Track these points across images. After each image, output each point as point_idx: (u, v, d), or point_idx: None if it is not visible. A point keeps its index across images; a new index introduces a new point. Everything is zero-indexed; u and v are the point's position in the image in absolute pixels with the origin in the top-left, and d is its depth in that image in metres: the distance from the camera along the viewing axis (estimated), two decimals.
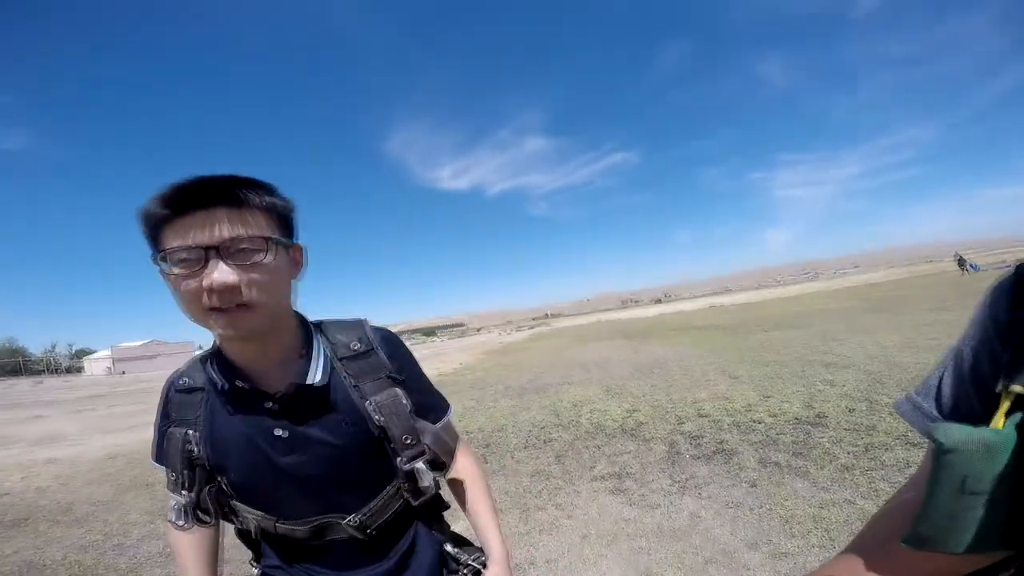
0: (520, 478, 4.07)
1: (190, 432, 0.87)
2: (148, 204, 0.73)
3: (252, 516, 0.89)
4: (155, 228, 0.73)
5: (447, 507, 1.01)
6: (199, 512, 0.89)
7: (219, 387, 0.84)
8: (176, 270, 0.71)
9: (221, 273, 0.70)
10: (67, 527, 3.90)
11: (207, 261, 0.70)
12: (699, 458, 3.89)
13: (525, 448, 4.89)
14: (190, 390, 0.90)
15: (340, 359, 0.88)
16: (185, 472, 0.87)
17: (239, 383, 0.82)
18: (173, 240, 0.71)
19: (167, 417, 0.91)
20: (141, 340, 52.21)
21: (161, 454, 0.91)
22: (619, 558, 2.61)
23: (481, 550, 1.00)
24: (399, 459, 0.86)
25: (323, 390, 0.85)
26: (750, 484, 3.24)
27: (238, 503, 0.90)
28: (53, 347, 55.96)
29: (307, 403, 0.84)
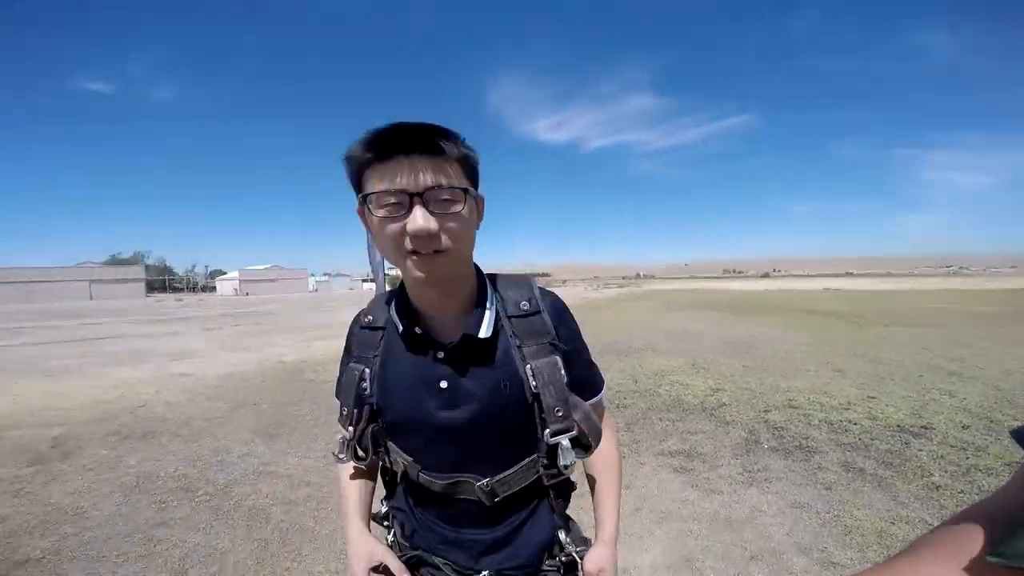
0: None
1: (366, 370, 0.91)
2: (352, 148, 0.76)
3: (401, 460, 0.92)
4: (358, 171, 0.77)
5: (574, 488, 0.96)
6: (358, 448, 0.94)
7: (398, 329, 0.88)
8: (380, 213, 0.75)
9: (424, 219, 0.73)
10: (183, 441, 4.19)
11: (411, 207, 0.73)
12: (778, 451, 3.70)
13: None
14: (372, 328, 0.94)
15: (508, 316, 0.88)
16: (354, 409, 0.91)
17: (417, 329, 0.86)
18: (378, 184, 0.74)
19: (349, 353, 0.97)
20: (264, 265, 58.07)
21: (339, 388, 0.97)
22: (665, 537, 2.59)
23: (586, 539, 0.97)
24: (546, 431, 0.84)
25: (489, 345, 0.86)
26: (824, 487, 3.05)
27: (392, 444, 0.93)
28: (192, 267, 64.08)
29: (472, 357, 0.85)
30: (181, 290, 54.61)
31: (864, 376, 6.04)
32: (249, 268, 56.39)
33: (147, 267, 51.86)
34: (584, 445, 0.88)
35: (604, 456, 1.00)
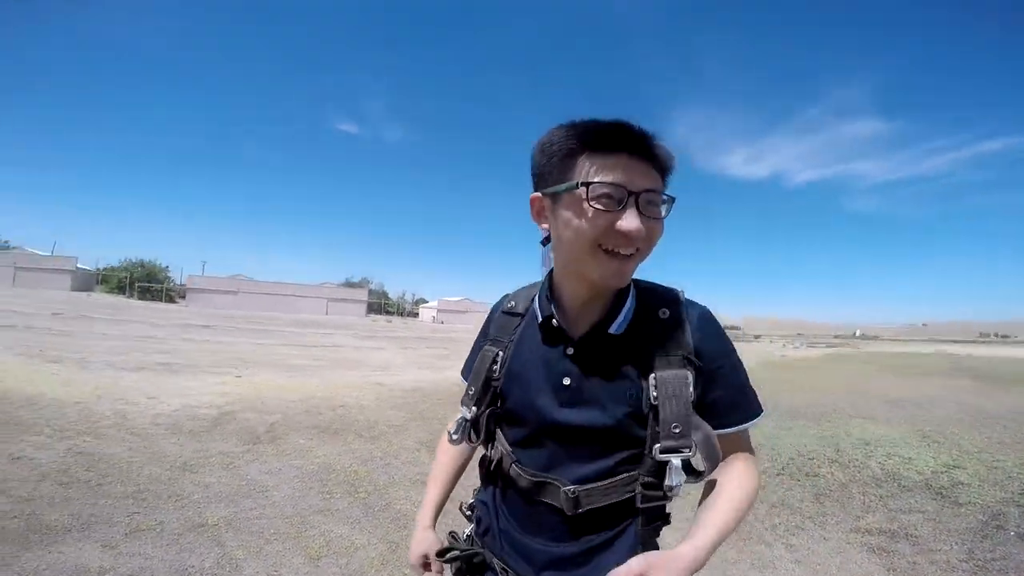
0: (757, 505, 3.49)
1: (499, 354, 0.92)
2: (567, 134, 0.77)
3: (502, 448, 0.91)
4: (569, 156, 0.76)
5: (667, 522, 0.86)
6: (472, 431, 0.93)
7: (536, 319, 0.89)
8: (595, 204, 0.73)
9: (637, 221, 0.73)
10: (364, 442, 4.60)
11: (627, 205, 0.73)
12: None
13: (778, 475, 4.17)
14: (512, 313, 0.97)
15: (645, 322, 0.84)
16: (481, 391, 0.92)
17: (554, 321, 0.86)
18: (598, 175, 0.73)
19: (485, 335, 1.00)
20: (457, 297, 64.29)
21: (468, 370, 1.00)
22: None
23: None
24: (656, 446, 0.77)
25: (617, 344, 0.83)
26: None
27: (500, 432, 0.93)
28: (403, 294, 74.04)
29: (601, 355, 0.83)
30: (392, 313, 63.24)
31: None
32: (445, 299, 62.98)
33: (369, 291, 61.32)
34: (696, 471, 0.78)
35: (737, 471, 0.84)
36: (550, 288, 0.90)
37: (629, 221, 0.73)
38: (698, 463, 0.78)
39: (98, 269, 50.17)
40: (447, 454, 1.08)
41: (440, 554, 0.97)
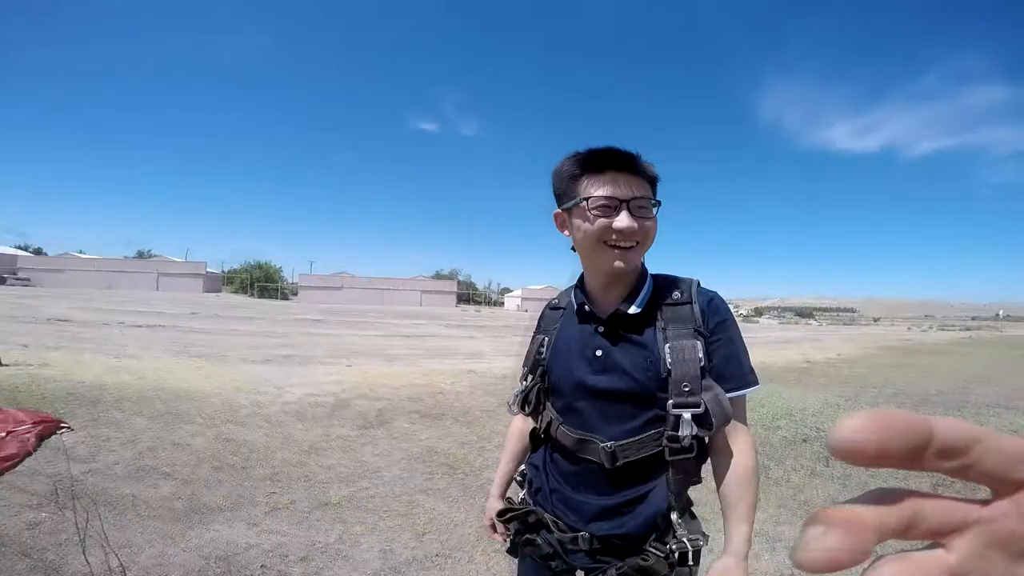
0: (831, 484, 3.40)
1: (545, 339, 1.15)
2: (570, 162, 1.00)
3: (549, 415, 1.11)
4: (575, 179, 0.99)
5: (699, 481, 1.00)
6: (525, 403, 1.14)
7: (574, 306, 1.11)
8: (594, 212, 0.95)
9: (629, 220, 0.94)
10: (461, 426, 4.88)
11: (619, 210, 0.94)
12: None
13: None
14: (556, 308, 1.20)
15: (661, 304, 1.02)
16: (531, 368, 1.15)
17: (586, 307, 1.07)
18: (596, 190, 0.95)
19: (538, 328, 1.22)
20: (540, 285, 64.64)
21: (527, 356, 1.20)
22: None
23: (704, 533, 1.00)
24: (670, 402, 0.93)
25: (636, 322, 1.01)
26: None
27: (548, 402, 1.13)
28: (489, 284, 75.92)
29: (624, 331, 1.02)
30: (480, 303, 65.03)
31: None
32: (529, 287, 63.72)
33: (458, 282, 63.37)
34: (707, 424, 0.92)
35: (738, 468, 0.98)
36: (582, 282, 1.10)
37: (621, 221, 0.93)
38: (708, 417, 0.91)
39: (223, 272, 56.89)
40: (515, 433, 1.28)
41: (499, 515, 1.17)
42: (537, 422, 1.14)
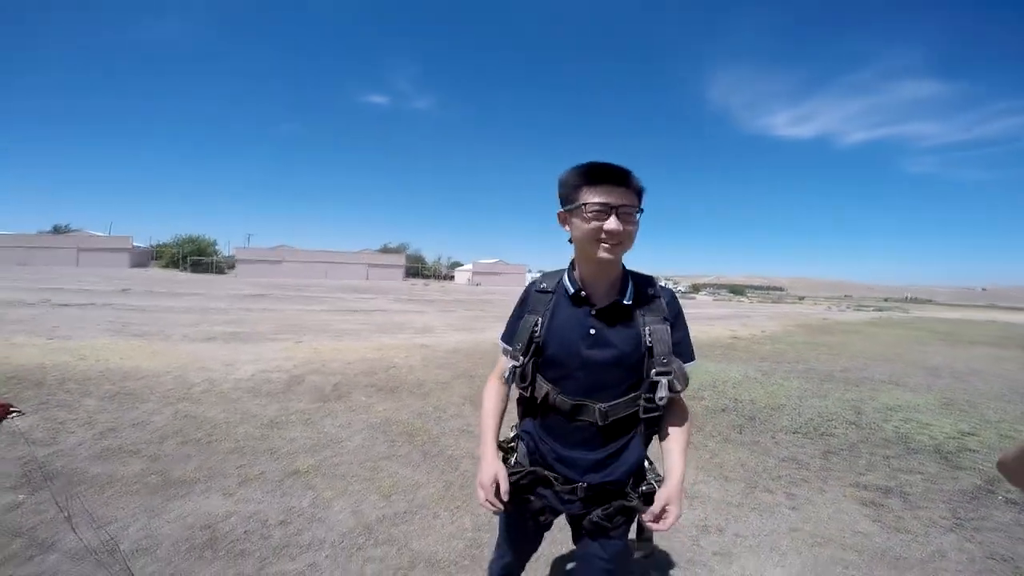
0: (767, 458, 3.88)
1: (539, 319, 1.33)
2: (573, 174, 1.24)
3: (544, 386, 1.31)
4: (576, 187, 1.22)
5: (657, 430, 1.35)
6: (520, 376, 1.33)
7: (567, 291, 1.33)
8: (590, 215, 1.19)
9: (617, 223, 1.18)
10: (417, 398, 5.15)
11: (609, 215, 1.18)
12: (1017, 504, 3.07)
13: (793, 433, 4.51)
14: (544, 291, 1.38)
15: (641, 296, 1.31)
16: (526, 345, 1.32)
17: (582, 293, 1.30)
18: (591, 198, 1.19)
19: (524, 307, 1.40)
20: (492, 259, 64.99)
21: (509, 335, 1.39)
22: (811, 560, 2.46)
23: (660, 475, 1.32)
24: (653, 370, 1.23)
25: (627, 311, 1.29)
26: None
27: (541, 375, 1.32)
28: (438, 258, 75.11)
29: (615, 316, 1.28)
30: (428, 277, 64.31)
31: None
32: (480, 261, 63.77)
33: (406, 256, 62.37)
34: (676, 389, 1.23)
35: (680, 422, 1.34)
36: (574, 271, 1.34)
37: (610, 224, 1.18)
38: (675, 383, 1.23)
39: (152, 246, 53.17)
40: (492, 400, 1.43)
41: (510, 476, 1.34)
42: (529, 393, 1.34)
